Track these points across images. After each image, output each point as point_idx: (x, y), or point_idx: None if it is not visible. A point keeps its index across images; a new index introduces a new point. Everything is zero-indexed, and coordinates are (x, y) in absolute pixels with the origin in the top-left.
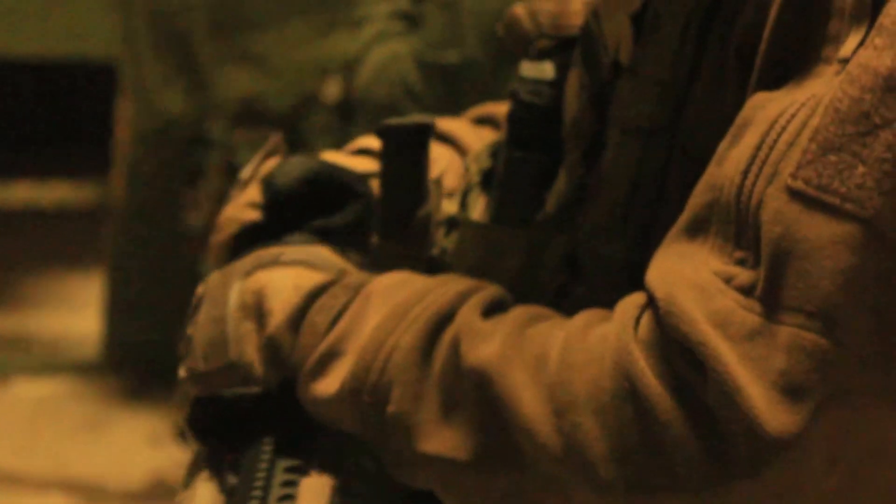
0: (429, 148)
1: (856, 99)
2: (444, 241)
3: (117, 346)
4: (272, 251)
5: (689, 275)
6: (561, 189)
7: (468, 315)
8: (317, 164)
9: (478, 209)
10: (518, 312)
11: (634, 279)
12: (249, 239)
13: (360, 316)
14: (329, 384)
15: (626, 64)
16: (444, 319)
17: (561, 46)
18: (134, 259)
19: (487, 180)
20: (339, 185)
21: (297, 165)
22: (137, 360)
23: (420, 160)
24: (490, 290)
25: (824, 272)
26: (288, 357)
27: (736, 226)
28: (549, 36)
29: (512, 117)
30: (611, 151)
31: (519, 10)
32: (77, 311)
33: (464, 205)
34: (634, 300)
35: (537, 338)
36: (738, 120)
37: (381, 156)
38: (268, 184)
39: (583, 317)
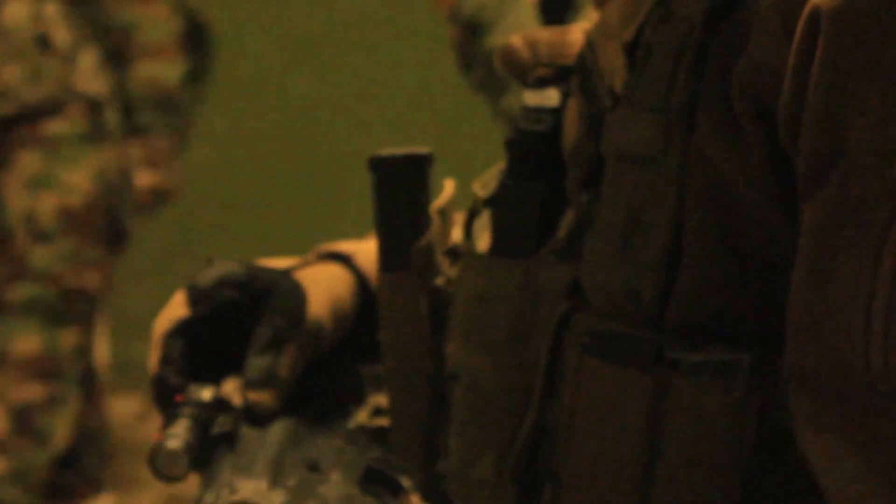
0: (427, 178)
1: None
2: (449, 271)
3: (123, 368)
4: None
5: None
6: (569, 218)
7: None
8: (238, 267)
9: (485, 237)
10: None
11: (637, 309)
12: (181, 334)
13: None
14: None
15: (619, 92)
16: None
17: (560, 75)
18: (135, 280)
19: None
20: (260, 287)
21: (219, 268)
22: (144, 382)
23: (413, 191)
24: None
25: None
26: None
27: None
28: (547, 64)
29: (510, 145)
30: (608, 179)
31: (516, 40)
32: None
33: (469, 231)
34: None
35: None
36: (812, 254)
37: (373, 188)
38: (191, 286)
39: None
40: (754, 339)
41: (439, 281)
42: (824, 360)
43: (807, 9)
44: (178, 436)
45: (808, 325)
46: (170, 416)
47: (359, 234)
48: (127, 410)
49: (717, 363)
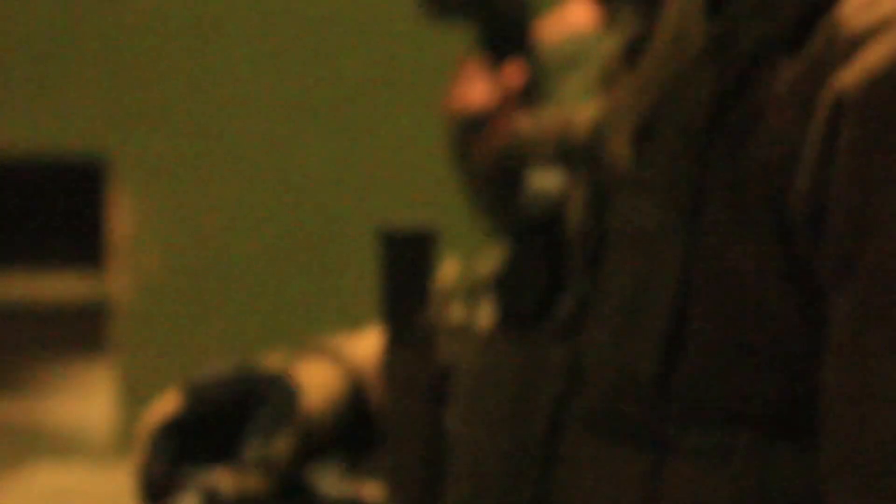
0: (433, 255)
1: None
2: (450, 348)
3: (131, 435)
4: None
5: None
6: (570, 299)
7: None
8: (231, 368)
9: (484, 316)
10: None
11: (636, 390)
12: (170, 434)
13: None
14: None
15: (626, 173)
16: None
17: (566, 156)
18: (144, 348)
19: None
20: (254, 382)
21: (212, 370)
22: None
23: (420, 267)
24: None
25: None
26: None
27: None
28: (554, 145)
29: (513, 230)
30: (610, 261)
31: (523, 121)
32: (83, 400)
33: (470, 307)
34: None
35: None
36: (845, 348)
37: (379, 261)
38: (185, 387)
39: None
40: (755, 418)
41: (441, 356)
42: (869, 452)
43: (829, 97)
44: None
45: (850, 421)
46: (176, 489)
47: (365, 303)
48: None
49: (715, 445)
